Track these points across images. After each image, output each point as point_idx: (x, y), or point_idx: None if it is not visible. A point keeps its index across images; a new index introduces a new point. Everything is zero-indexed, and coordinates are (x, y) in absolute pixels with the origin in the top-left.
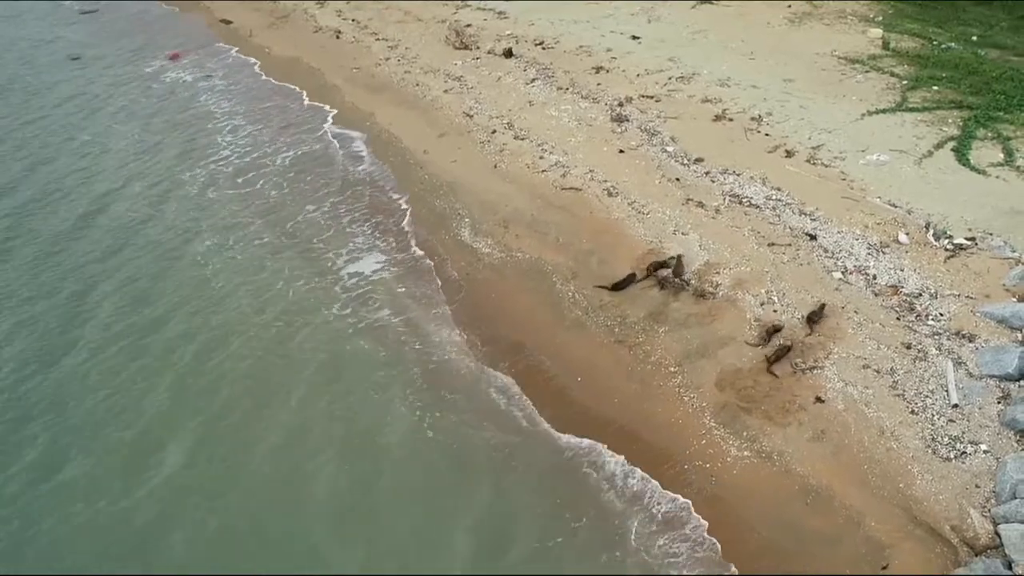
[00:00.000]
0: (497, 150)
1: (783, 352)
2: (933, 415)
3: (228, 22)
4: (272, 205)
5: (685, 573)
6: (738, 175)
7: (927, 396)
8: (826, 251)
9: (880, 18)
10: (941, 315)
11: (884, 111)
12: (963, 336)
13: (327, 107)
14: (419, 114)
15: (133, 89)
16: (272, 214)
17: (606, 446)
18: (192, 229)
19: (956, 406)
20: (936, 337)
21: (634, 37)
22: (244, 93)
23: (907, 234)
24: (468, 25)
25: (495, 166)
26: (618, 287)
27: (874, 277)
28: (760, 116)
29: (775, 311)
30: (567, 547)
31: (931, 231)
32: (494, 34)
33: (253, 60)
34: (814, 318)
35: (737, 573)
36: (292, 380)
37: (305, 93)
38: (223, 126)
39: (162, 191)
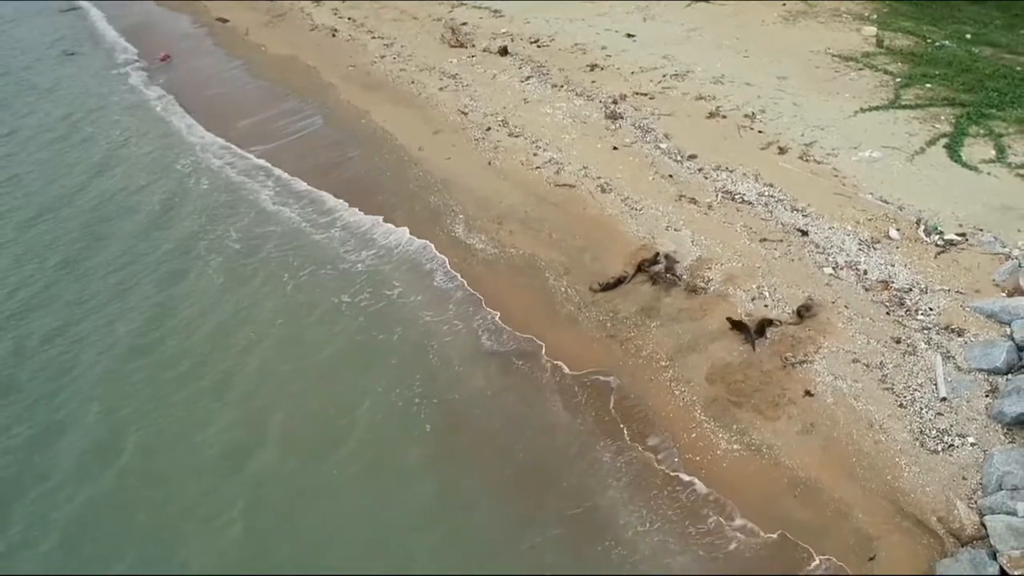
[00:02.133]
0: (492, 147)
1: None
2: (921, 408)
3: (224, 20)
4: None
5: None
6: (731, 172)
7: (916, 390)
8: (817, 247)
9: (874, 16)
10: (931, 310)
11: (877, 108)
12: (952, 331)
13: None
14: (414, 112)
15: (120, 88)
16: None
17: None
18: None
19: (944, 399)
20: (925, 331)
21: (629, 35)
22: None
23: (898, 230)
24: (464, 23)
25: (489, 163)
26: (608, 288)
27: (865, 272)
28: (753, 113)
29: (766, 306)
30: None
31: (922, 227)
32: (489, 32)
33: (241, 61)
34: (803, 312)
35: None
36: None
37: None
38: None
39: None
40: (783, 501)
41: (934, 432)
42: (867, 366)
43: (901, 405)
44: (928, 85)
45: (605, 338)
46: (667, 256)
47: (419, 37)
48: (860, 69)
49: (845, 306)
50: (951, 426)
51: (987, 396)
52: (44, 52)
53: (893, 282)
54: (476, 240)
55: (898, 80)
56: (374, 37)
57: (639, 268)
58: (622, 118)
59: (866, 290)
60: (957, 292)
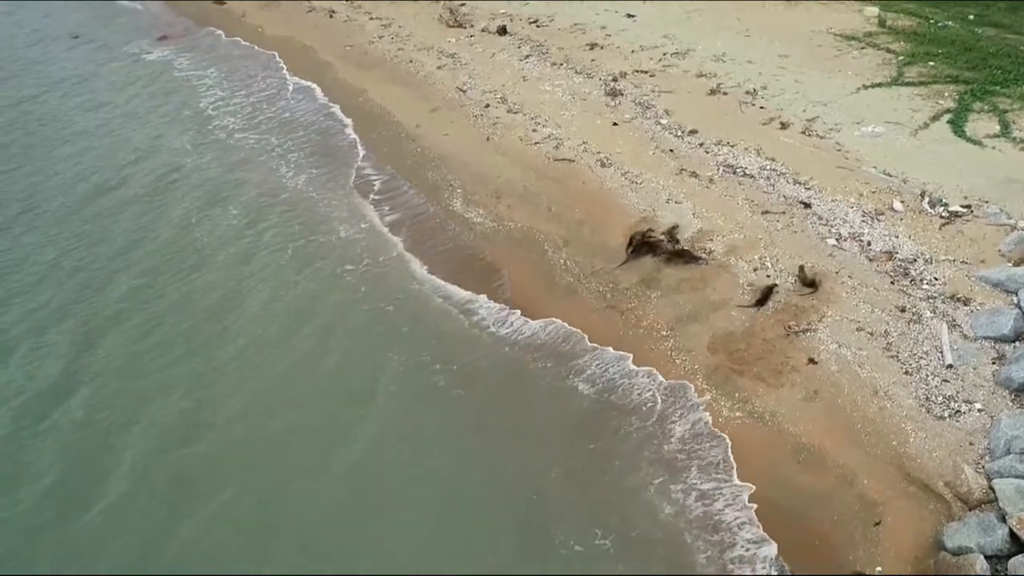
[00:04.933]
0: (490, 124)
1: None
2: (927, 375)
3: (221, 2)
4: None
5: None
6: (732, 146)
7: (921, 357)
8: (820, 219)
9: None
10: (936, 279)
11: (880, 85)
12: (958, 299)
13: None
14: (412, 90)
15: (123, 66)
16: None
17: None
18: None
19: (951, 366)
20: (931, 300)
21: (628, 15)
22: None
23: (902, 202)
24: (462, 4)
25: (488, 139)
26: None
27: (868, 243)
28: (755, 90)
29: (768, 276)
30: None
31: (926, 199)
32: (488, 12)
33: (240, 42)
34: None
35: None
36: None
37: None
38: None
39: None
40: (786, 468)
41: (940, 398)
42: (871, 334)
43: (907, 372)
44: (931, 63)
45: (605, 308)
46: (670, 230)
47: (417, 17)
48: (862, 48)
49: (848, 276)
50: (958, 392)
51: (994, 363)
52: (52, 36)
53: (897, 253)
54: (474, 214)
55: (901, 58)
56: (372, 18)
57: (631, 243)
58: (622, 95)
59: (870, 260)
60: (962, 262)
